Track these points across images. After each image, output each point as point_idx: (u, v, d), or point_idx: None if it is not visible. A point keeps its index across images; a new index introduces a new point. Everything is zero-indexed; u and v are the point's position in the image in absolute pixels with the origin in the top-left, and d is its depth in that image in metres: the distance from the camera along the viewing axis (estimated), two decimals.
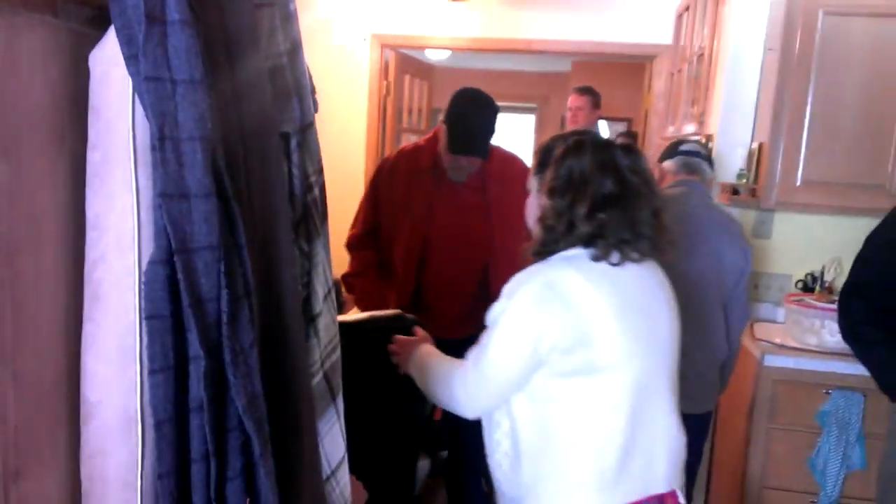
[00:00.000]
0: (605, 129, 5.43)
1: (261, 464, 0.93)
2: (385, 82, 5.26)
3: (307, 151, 1.23)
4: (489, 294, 2.10)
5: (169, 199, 0.84)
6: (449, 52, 6.50)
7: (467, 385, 1.62)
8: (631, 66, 7.03)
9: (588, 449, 1.54)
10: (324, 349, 1.26)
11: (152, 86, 0.82)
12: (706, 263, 2.60)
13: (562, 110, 7.98)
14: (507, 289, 1.59)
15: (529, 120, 9.31)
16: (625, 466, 1.54)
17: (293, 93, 1.21)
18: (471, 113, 2.68)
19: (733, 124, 3.53)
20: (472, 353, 1.64)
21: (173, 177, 0.84)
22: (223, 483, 0.92)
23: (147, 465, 0.89)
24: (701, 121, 3.75)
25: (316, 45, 5.08)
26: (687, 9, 4.36)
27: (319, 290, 1.24)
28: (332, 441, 1.29)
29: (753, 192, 3.33)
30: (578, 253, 1.57)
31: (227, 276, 0.89)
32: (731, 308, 2.71)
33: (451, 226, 2.81)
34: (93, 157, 0.86)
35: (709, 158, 2.93)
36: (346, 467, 1.33)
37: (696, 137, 3.56)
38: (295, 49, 1.22)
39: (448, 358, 1.80)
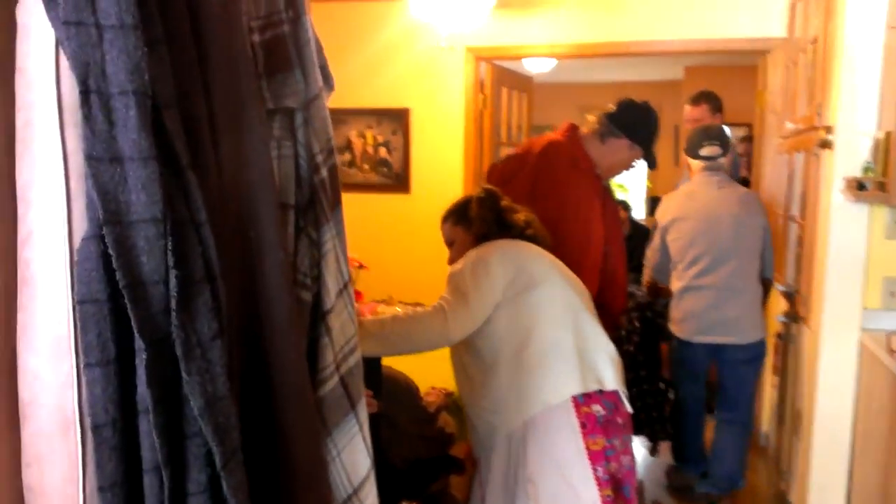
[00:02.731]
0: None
1: (224, 477, 0.79)
2: (481, 95, 5.14)
3: (313, 128, 1.10)
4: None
5: (97, 162, 0.72)
6: (550, 64, 6.32)
7: (459, 318, 2.07)
8: (746, 69, 6.61)
9: (550, 346, 2.09)
10: (339, 351, 1.12)
11: (73, 31, 0.71)
12: (730, 229, 3.70)
13: (675, 120, 7.61)
14: (464, 257, 2.23)
15: None
16: (582, 363, 2.10)
17: (295, 64, 1.09)
18: (656, 126, 3.03)
19: (855, 113, 3.16)
20: (449, 295, 2.13)
21: (102, 137, 0.72)
22: (182, 498, 0.79)
23: (89, 476, 0.77)
24: (819, 112, 3.39)
25: (408, 56, 5.04)
26: None
27: (331, 283, 1.09)
28: (353, 455, 1.13)
29: (882, 186, 2.95)
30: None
31: (177, 256, 0.76)
32: (765, 257, 3.81)
33: (612, 226, 3.00)
34: (18, 120, 0.75)
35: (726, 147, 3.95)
36: (372, 484, 1.17)
37: (721, 126, 4.23)
38: (298, 18, 1.10)
39: (402, 312, 2.35)
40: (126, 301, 0.73)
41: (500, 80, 5.36)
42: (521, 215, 2.39)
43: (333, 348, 1.10)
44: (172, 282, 0.75)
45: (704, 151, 3.91)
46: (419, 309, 2.24)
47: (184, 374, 0.75)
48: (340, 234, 1.13)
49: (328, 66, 1.19)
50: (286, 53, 1.08)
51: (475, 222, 2.36)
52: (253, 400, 0.88)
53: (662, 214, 3.98)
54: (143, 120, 0.74)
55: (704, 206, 3.77)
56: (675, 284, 3.78)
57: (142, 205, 0.74)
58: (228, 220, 0.87)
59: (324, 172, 1.10)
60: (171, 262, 0.75)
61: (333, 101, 4.48)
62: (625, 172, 3.13)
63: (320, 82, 1.13)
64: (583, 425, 2.07)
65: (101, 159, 0.72)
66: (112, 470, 0.75)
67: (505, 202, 2.42)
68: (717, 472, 3.81)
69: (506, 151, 5.64)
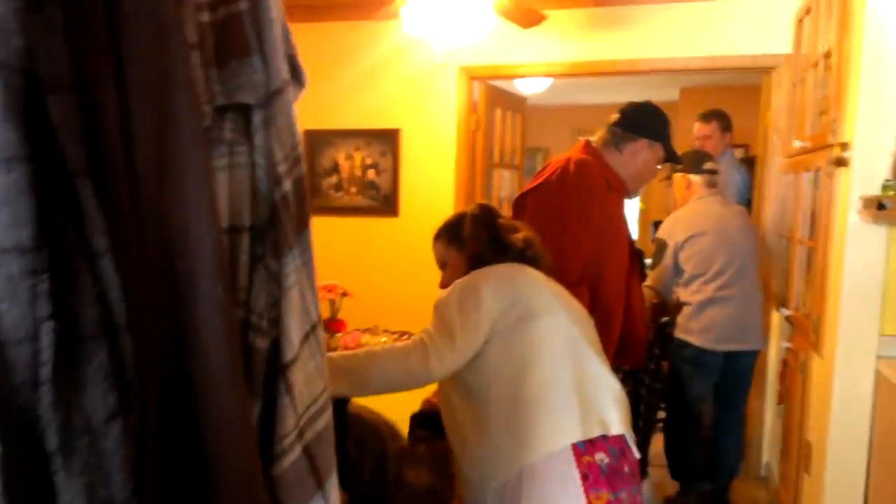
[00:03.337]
0: (733, 159, 4.92)
1: None
2: (475, 116, 4.93)
3: (275, 130, 0.86)
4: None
5: None
6: (543, 85, 6.14)
7: (442, 356, 1.87)
8: (744, 89, 6.46)
9: (548, 385, 1.86)
10: (303, 413, 0.88)
11: None
12: (742, 242, 3.93)
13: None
14: (452, 286, 2.00)
15: None
16: (583, 405, 1.86)
17: (253, 49, 0.86)
18: (667, 119, 2.84)
19: (874, 130, 2.95)
20: (433, 329, 1.92)
21: None
22: None
23: None
24: (833, 129, 3.19)
25: (399, 75, 4.85)
26: (808, 12, 3.83)
27: (293, 327, 0.86)
28: None
29: None
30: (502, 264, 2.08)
31: (56, 301, 0.52)
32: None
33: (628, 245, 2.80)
34: None
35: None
36: None
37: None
38: None
39: (377, 347, 2.05)
40: None
41: (494, 100, 5.16)
42: (521, 234, 2.14)
43: (295, 410, 0.86)
44: (45, 339, 0.51)
45: (707, 166, 4.12)
46: (397, 343, 1.98)
47: (58, 476, 0.51)
48: (308, 263, 0.89)
49: (298, 57, 0.96)
50: (242, 36, 0.85)
51: (468, 242, 2.12)
52: (180, 498, 0.64)
53: (672, 234, 4.06)
54: (6, 103, 0.50)
55: (717, 222, 3.95)
56: (693, 297, 3.92)
57: (1, 227, 0.50)
58: (146, 249, 0.64)
59: (287, 186, 0.86)
60: (44, 311, 0.51)
61: (320, 121, 4.27)
62: (650, 180, 2.94)
63: (286, 74, 0.90)
64: (584, 477, 1.82)
65: None
66: None
67: (502, 220, 2.18)
68: (724, 466, 4.03)
69: (499, 173, 5.43)
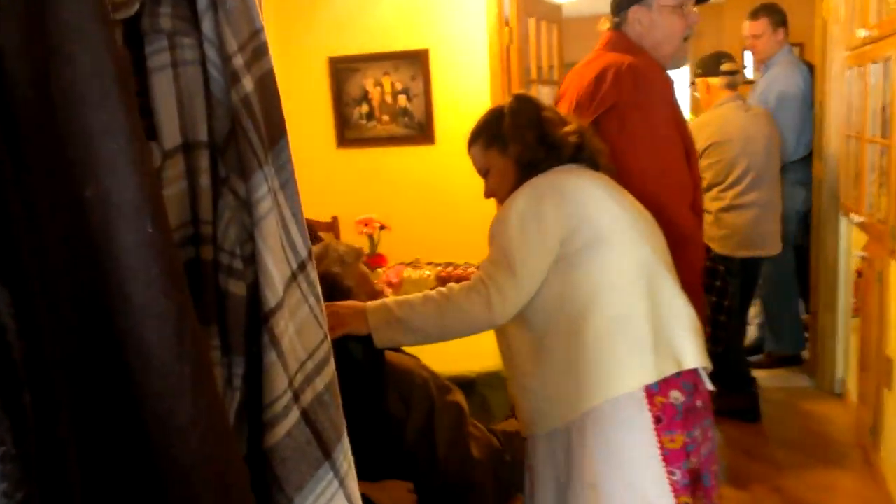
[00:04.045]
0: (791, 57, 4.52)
1: None
2: (507, 28, 4.63)
3: (225, 14, 0.67)
4: None
5: None
6: None
7: (505, 294, 1.65)
8: None
9: (618, 319, 1.64)
10: (297, 371, 0.70)
11: None
12: (761, 148, 3.87)
13: (716, 46, 7.00)
14: (506, 204, 1.74)
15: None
16: (657, 341, 1.64)
17: None
18: None
19: None
20: (491, 265, 1.69)
21: None
22: None
23: None
24: None
25: None
26: None
27: (273, 264, 0.68)
28: None
29: None
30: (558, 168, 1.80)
31: None
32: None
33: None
34: None
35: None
36: None
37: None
38: None
39: (432, 291, 1.77)
40: None
41: (527, 9, 4.84)
42: (571, 128, 1.84)
43: (286, 367, 0.69)
44: None
45: (725, 66, 3.99)
46: (454, 286, 1.73)
47: None
48: (288, 185, 0.70)
49: None
50: None
51: (513, 143, 1.83)
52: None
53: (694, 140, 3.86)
54: None
55: (740, 129, 3.89)
56: (711, 205, 3.88)
57: None
58: (34, 174, 0.46)
59: (247, 84, 0.67)
60: None
61: (345, 47, 3.98)
62: (680, 44, 2.21)
63: None
64: (657, 420, 1.62)
65: None
66: None
67: (547, 112, 1.86)
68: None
69: (537, 90, 5.14)
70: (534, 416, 1.76)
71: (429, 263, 3.40)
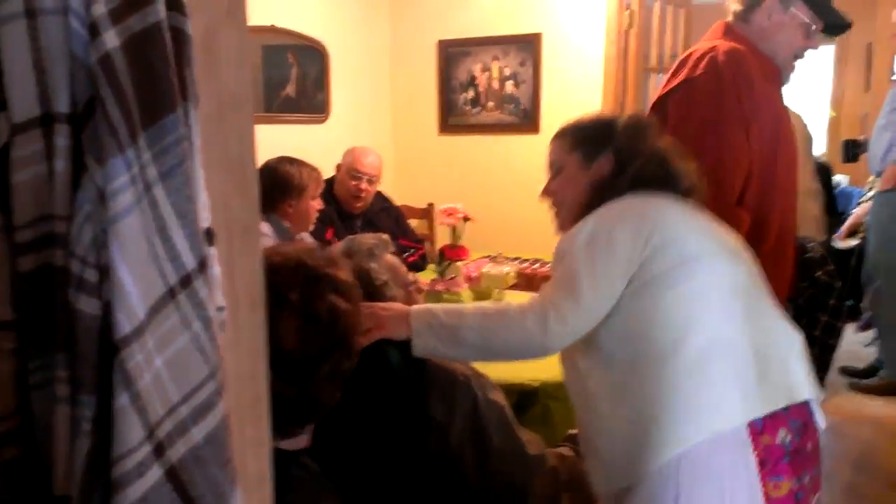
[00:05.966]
0: None
1: None
2: (627, 11, 4.33)
3: None
4: None
5: None
6: None
7: (564, 316, 1.47)
8: None
9: (715, 351, 1.43)
10: (161, 419, 0.54)
11: None
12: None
13: (868, 37, 6.40)
14: (577, 225, 1.56)
15: (826, 54, 7.59)
16: (763, 371, 1.44)
17: None
18: None
19: None
20: (554, 287, 1.53)
21: None
22: None
23: None
24: None
25: None
26: None
27: (129, 280, 0.51)
28: None
29: None
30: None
31: None
32: None
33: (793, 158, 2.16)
34: None
35: None
36: None
37: None
38: None
39: (491, 304, 1.65)
40: None
41: None
42: (690, 165, 1.62)
43: (144, 413, 0.53)
44: None
45: None
46: (512, 303, 1.57)
47: None
48: (173, 175, 0.54)
49: None
50: None
51: (613, 156, 1.60)
52: None
53: None
54: None
55: None
56: None
57: None
58: None
59: (109, 40, 0.51)
60: None
61: (456, 30, 3.81)
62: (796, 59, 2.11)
63: None
64: (762, 463, 1.39)
65: None
66: None
67: (665, 143, 1.63)
68: None
69: (655, 81, 4.80)
70: (617, 464, 1.50)
71: (514, 259, 3.20)
